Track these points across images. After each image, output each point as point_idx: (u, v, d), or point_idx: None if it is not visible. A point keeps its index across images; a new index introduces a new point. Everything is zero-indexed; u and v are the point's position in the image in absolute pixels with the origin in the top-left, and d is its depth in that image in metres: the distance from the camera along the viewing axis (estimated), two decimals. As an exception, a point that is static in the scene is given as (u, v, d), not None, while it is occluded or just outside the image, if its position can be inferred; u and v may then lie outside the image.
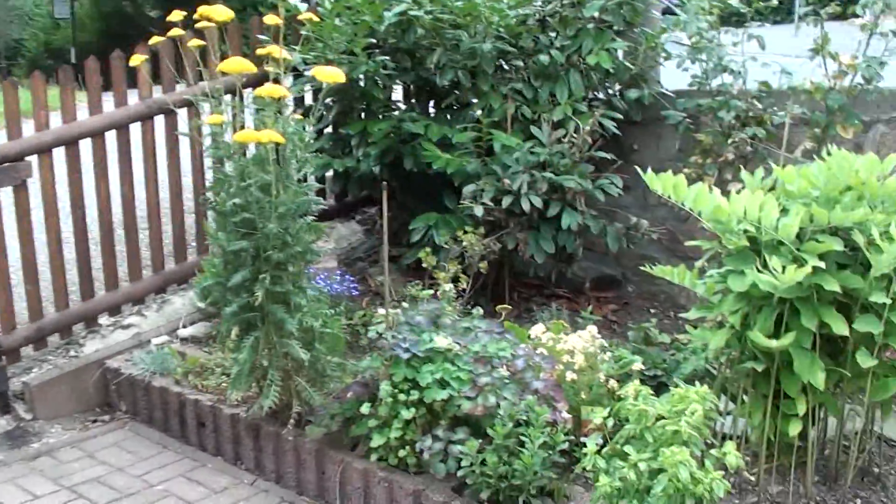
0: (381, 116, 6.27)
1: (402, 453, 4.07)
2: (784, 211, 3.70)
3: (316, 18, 5.07)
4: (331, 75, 4.16)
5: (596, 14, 6.09)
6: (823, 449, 4.20)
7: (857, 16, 5.42)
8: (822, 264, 3.52)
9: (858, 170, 3.77)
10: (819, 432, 4.09)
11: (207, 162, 5.17)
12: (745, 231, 3.73)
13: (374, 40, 6.13)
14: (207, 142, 4.45)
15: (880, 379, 3.77)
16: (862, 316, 3.63)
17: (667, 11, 6.86)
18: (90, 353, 5.49)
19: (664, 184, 3.89)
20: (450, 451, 3.92)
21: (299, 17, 4.99)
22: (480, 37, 6.04)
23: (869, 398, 3.81)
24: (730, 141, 5.62)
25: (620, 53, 6.32)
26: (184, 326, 5.73)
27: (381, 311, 4.75)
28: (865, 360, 3.60)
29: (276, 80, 4.33)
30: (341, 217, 7.23)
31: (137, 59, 4.73)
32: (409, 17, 5.94)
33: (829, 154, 3.88)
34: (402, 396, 4.04)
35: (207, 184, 4.73)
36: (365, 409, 4.16)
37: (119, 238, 5.90)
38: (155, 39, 4.77)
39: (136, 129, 5.77)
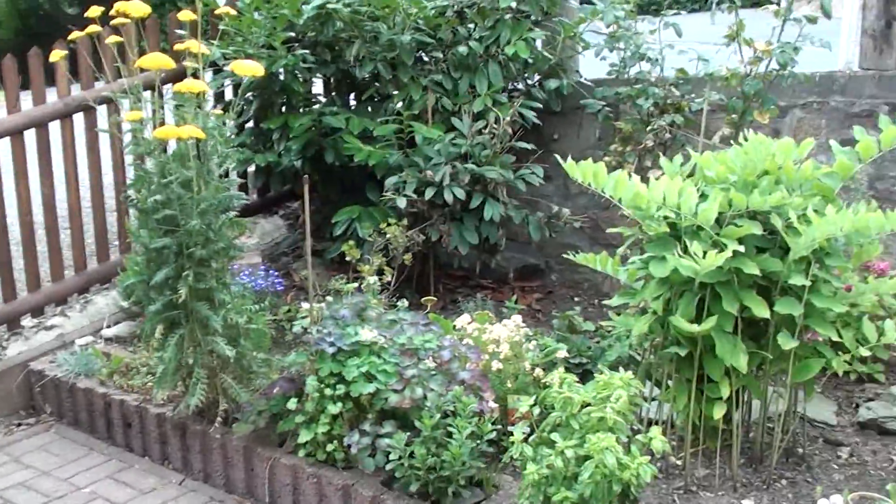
0: (301, 110, 6.26)
1: (330, 448, 4.07)
2: (703, 196, 3.74)
3: (234, 13, 5.05)
4: (250, 69, 4.15)
5: (513, 4, 6.11)
6: (748, 431, 4.25)
7: (771, 2, 5.47)
8: (742, 248, 3.56)
9: (775, 154, 3.82)
10: (743, 415, 4.13)
11: (128, 159, 5.12)
12: (665, 217, 3.76)
13: (293, 34, 6.13)
14: (127, 139, 4.41)
15: (802, 360, 3.82)
16: (782, 298, 3.68)
17: (584, 1, 6.89)
18: (13, 355, 5.41)
19: (584, 172, 3.91)
20: (378, 444, 3.93)
21: (217, 12, 4.96)
22: (399, 28, 6.04)
23: (791, 380, 3.85)
24: (649, 128, 5.65)
25: (539, 43, 6.33)
26: (108, 326, 5.68)
27: (306, 305, 4.74)
28: (787, 342, 3.64)
29: (196, 76, 4.30)
30: (264, 212, 7.20)
31: (56, 56, 4.69)
32: (327, 10, 5.92)
33: (745, 139, 3.92)
34: (328, 391, 4.03)
35: (129, 181, 4.68)
36: (292, 404, 4.16)
37: (40, 238, 5.82)
38: (73, 35, 4.71)
39: (55, 128, 5.69)
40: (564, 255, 4.54)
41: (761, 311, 3.63)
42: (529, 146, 5.98)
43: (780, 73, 5.42)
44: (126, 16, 4.29)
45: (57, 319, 5.70)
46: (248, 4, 6.06)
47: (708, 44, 5.81)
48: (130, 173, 4.99)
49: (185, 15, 4.39)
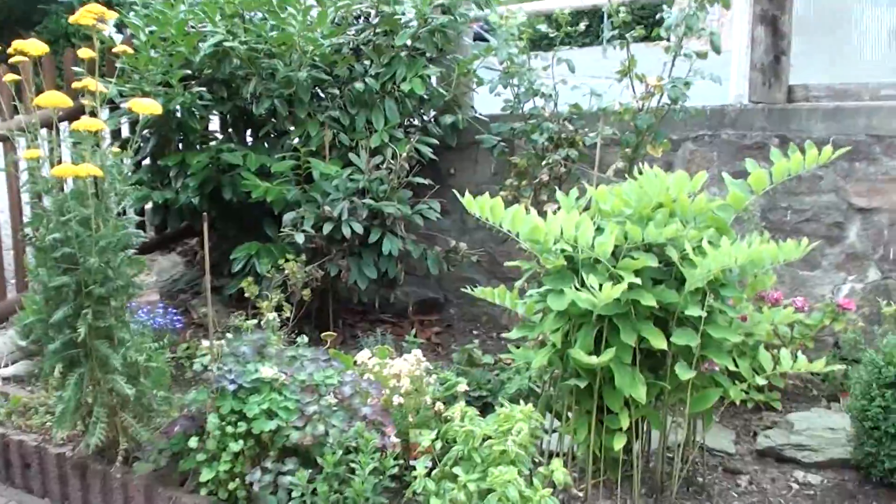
0: (199, 147, 6.25)
1: (232, 486, 4.03)
2: (599, 230, 3.79)
3: (131, 51, 5.02)
4: (148, 108, 4.13)
5: (408, 42, 6.17)
6: (648, 461, 4.29)
7: (661, 38, 5.57)
8: (639, 280, 3.62)
9: (669, 187, 3.88)
10: (643, 445, 4.18)
11: (25, 197, 5.05)
12: (563, 250, 3.80)
13: (189, 71, 6.09)
14: (25, 177, 4.35)
15: (699, 390, 3.88)
16: (679, 329, 3.74)
17: (478, 38, 6.97)
18: None
19: (482, 207, 3.94)
20: (280, 482, 3.90)
21: (115, 50, 4.92)
22: (296, 65, 6.04)
23: (690, 409, 3.90)
24: (544, 163, 5.71)
25: (434, 80, 6.39)
26: (5, 366, 5.59)
27: (206, 343, 4.70)
28: (684, 373, 3.70)
29: (93, 114, 4.27)
30: (162, 249, 7.14)
31: (-47, 94, 4.63)
32: (224, 48, 5.93)
33: (640, 173, 3.98)
34: (229, 429, 4.00)
35: (26, 219, 4.62)
36: (193, 443, 4.11)
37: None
38: (-30, 74, 4.65)
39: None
40: (463, 289, 4.57)
41: (659, 342, 3.68)
42: (426, 181, 6.03)
43: (672, 107, 5.52)
44: (24, 54, 4.25)
45: (-49, 359, 5.60)
46: (145, 42, 6.03)
47: (600, 77, 5.91)
48: (27, 211, 4.93)
49: (84, 53, 4.35)
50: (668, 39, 5.52)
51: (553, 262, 3.82)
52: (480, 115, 6.62)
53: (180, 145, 6.35)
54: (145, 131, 6.23)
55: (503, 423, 3.46)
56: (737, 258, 3.58)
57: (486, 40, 6.59)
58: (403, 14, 6.23)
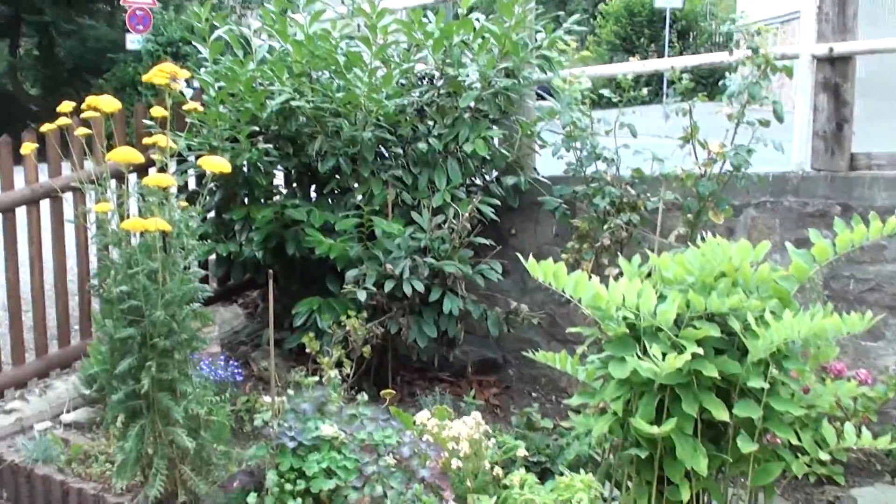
0: (264, 201, 6.32)
1: (290, 543, 4.05)
2: (662, 297, 3.79)
3: (201, 109, 5.10)
4: (216, 165, 4.20)
5: (472, 104, 6.22)
6: (707, 532, 4.27)
7: (723, 97, 5.58)
8: (701, 350, 3.62)
9: (732, 256, 3.89)
10: (702, 516, 4.16)
11: (93, 249, 5.14)
12: (625, 318, 3.81)
13: (256, 127, 6.17)
14: (94, 230, 4.44)
15: (762, 463, 3.85)
16: (741, 401, 3.72)
17: (539, 96, 7.01)
18: (-29, 438, 5.36)
19: (545, 271, 3.96)
20: (339, 541, 3.92)
21: (184, 108, 5.02)
22: (361, 125, 6.10)
23: (751, 483, 3.87)
24: (605, 227, 5.73)
25: (496, 141, 6.44)
26: (66, 412, 5.63)
27: (266, 398, 4.74)
28: (746, 445, 3.68)
29: (162, 168, 4.35)
30: (224, 300, 7.20)
31: (28, 148, 4.77)
32: (291, 106, 6.01)
33: (702, 240, 3.99)
34: (288, 486, 4.03)
35: (92, 266, 4.70)
36: (252, 499, 4.13)
37: (1, 321, 5.78)
38: (45, 128, 4.75)
39: (21, 213, 5.71)
40: (524, 353, 4.58)
41: (721, 413, 3.66)
42: (488, 241, 6.05)
43: (735, 174, 5.53)
44: (96, 109, 4.35)
45: (16, 403, 5.65)
46: (214, 98, 6.14)
47: (661, 137, 5.92)
48: (94, 257, 5.00)
49: (157, 111, 4.45)
50: (731, 106, 5.54)
51: (615, 330, 3.83)
52: (542, 176, 6.66)
53: (246, 199, 6.43)
54: (212, 184, 6.31)
55: (563, 493, 3.47)
56: (800, 331, 3.57)
57: (543, 98, 6.64)
58: (467, 76, 6.29)
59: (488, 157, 6.30)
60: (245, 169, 6.22)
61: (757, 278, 3.89)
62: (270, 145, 6.14)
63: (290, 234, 6.12)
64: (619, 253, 5.26)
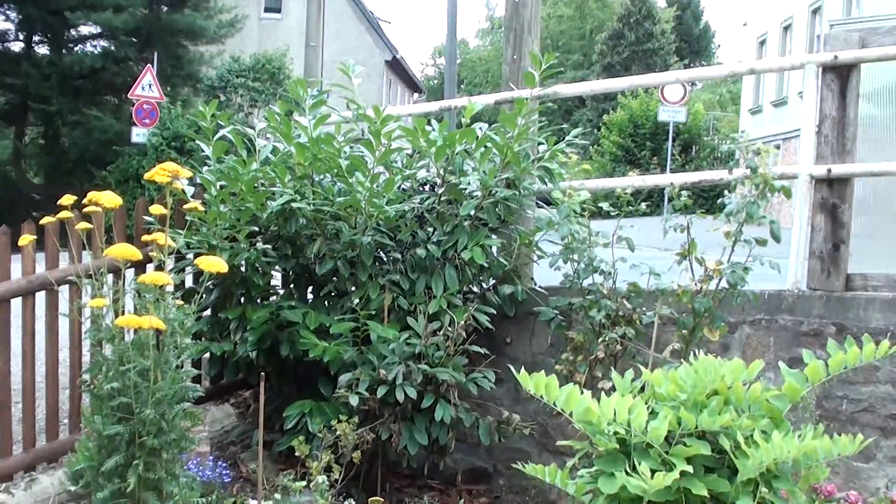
0: (260, 301, 6.34)
1: None
2: (653, 414, 3.79)
3: (201, 209, 5.14)
4: (213, 265, 4.24)
5: (472, 212, 6.26)
6: None
7: (721, 214, 5.62)
8: (690, 468, 3.61)
9: (724, 375, 3.89)
10: None
11: (86, 344, 5.14)
12: (616, 433, 3.80)
13: (256, 227, 6.22)
14: (88, 324, 4.45)
15: (751, 582, 3.83)
16: (730, 520, 3.71)
17: (539, 205, 7.06)
18: (-48, 532, 5.32)
19: (537, 384, 3.96)
20: None
21: (185, 207, 5.06)
22: (360, 229, 6.15)
23: None
24: (600, 339, 5.73)
25: (495, 250, 6.48)
26: (51, 508, 5.60)
27: (252, 501, 4.71)
28: (734, 564, 3.66)
29: (160, 266, 4.38)
30: (216, 399, 7.17)
31: (26, 240, 4.79)
32: (292, 207, 6.06)
33: (696, 356, 4.00)
34: (273, 592, 3.99)
35: (85, 360, 4.70)
36: None
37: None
38: (45, 220, 4.79)
39: (17, 304, 5.71)
40: (514, 464, 4.56)
41: (709, 531, 3.65)
42: (482, 350, 6.06)
43: (731, 291, 5.55)
44: (97, 204, 4.39)
45: (1, 496, 5.61)
46: (215, 197, 6.18)
47: (659, 249, 5.94)
48: (87, 350, 5.00)
49: (156, 209, 4.50)
50: (729, 224, 5.58)
51: (605, 445, 3.82)
52: (539, 286, 6.69)
53: (242, 299, 6.45)
54: (209, 283, 6.34)
55: None
56: (789, 451, 3.57)
57: (541, 206, 6.70)
58: (469, 184, 6.36)
59: (486, 266, 6.33)
60: (243, 269, 6.25)
61: (749, 397, 3.89)
62: (269, 246, 6.19)
63: (285, 336, 6.13)
64: (613, 366, 5.26)
